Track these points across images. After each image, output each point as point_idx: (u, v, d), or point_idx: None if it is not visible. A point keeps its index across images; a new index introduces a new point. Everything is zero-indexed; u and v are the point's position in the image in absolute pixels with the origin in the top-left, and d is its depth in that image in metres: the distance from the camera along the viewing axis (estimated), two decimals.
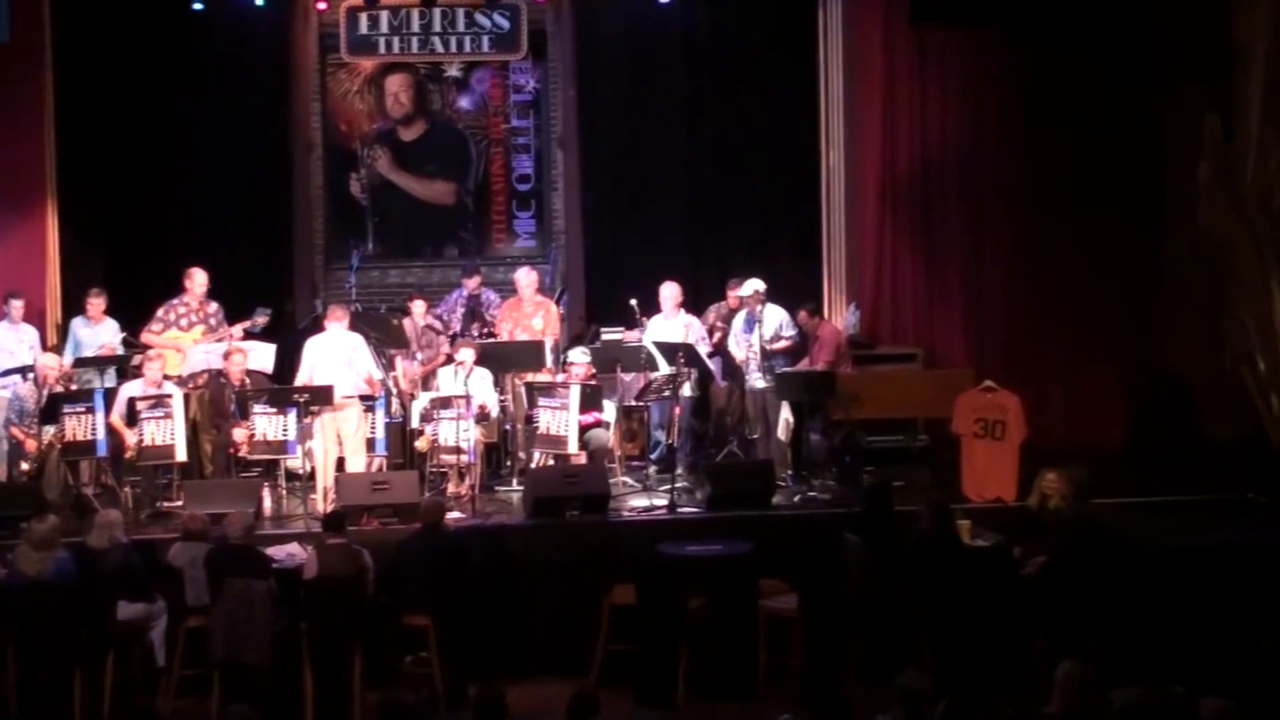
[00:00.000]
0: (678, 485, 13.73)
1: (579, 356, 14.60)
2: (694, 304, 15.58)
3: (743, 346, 14.74)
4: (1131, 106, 16.22)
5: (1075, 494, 12.06)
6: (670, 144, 17.81)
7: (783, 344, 14.69)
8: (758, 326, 14.57)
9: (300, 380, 13.84)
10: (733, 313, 15.35)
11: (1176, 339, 16.03)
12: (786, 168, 17.43)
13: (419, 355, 15.15)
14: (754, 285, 14.72)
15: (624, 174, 17.80)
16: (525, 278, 15.54)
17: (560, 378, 14.51)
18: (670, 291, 15.15)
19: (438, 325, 15.57)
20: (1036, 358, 16.30)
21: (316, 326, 14.96)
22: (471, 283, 16.00)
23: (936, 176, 16.58)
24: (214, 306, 14.92)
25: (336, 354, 13.83)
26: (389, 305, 16.61)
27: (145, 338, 14.71)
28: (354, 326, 14.19)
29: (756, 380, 14.61)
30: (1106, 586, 11.55)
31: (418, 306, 15.60)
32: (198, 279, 14.90)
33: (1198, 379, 15.52)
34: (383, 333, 15.06)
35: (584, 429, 14.12)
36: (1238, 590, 11.83)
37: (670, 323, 15.03)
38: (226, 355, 14.29)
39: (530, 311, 15.36)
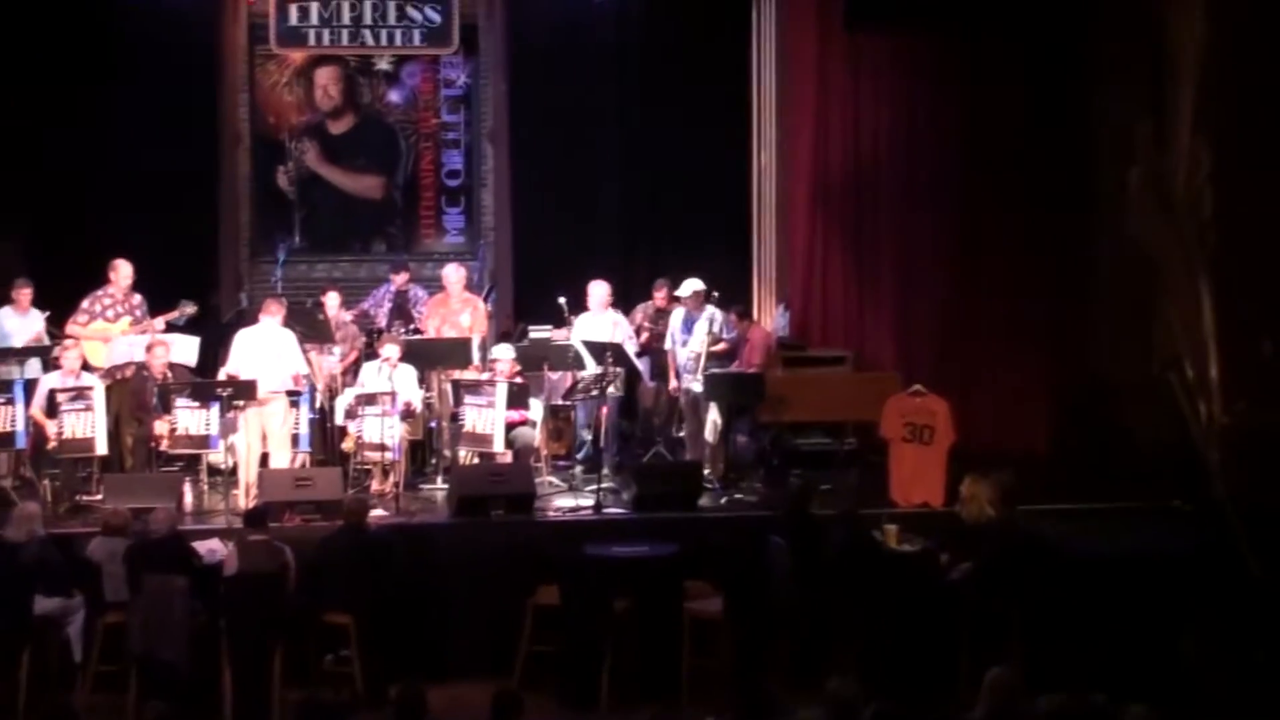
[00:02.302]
0: (604, 486, 13.72)
1: (503, 353, 14.54)
2: (624, 303, 15.55)
3: (682, 349, 14.69)
4: (1062, 111, 16.27)
5: (1001, 500, 12.07)
6: (602, 141, 17.77)
7: (722, 346, 14.62)
8: (697, 328, 14.55)
9: (228, 372, 13.76)
10: (660, 312, 15.35)
11: (1104, 343, 16.06)
12: (718, 167, 17.42)
13: (336, 350, 15.05)
14: (693, 286, 14.64)
15: (554, 171, 17.73)
16: (454, 274, 15.50)
17: (486, 375, 14.46)
18: (599, 290, 15.13)
19: (347, 319, 15.48)
20: (965, 362, 16.33)
21: (241, 320, 14.91)
22: (399, 278, 15.96)
23: (868, 179, 16.63)
24: (138, 298, 14.79)
25: (267, 348, 13.75)
26: (314, 300, 16.50)
27: (71, 329, 14.53)
28: (286, 322, 14.10)
29: (693, 384, 14.57)
30: (1032, 593, 11.57)
31: (331, 299, 15.48)
32: (122, 270, 14.75)
33: (1125, 384, 15.56)
34: (308, 328, 14.95)
35: (510, 427, 14.08)
36: (1160, 597, 11.91)
37: (598, 321, 15.00)
38: (149, 348, 14.16)
39: (458, 308, 15.32)
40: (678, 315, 14.86)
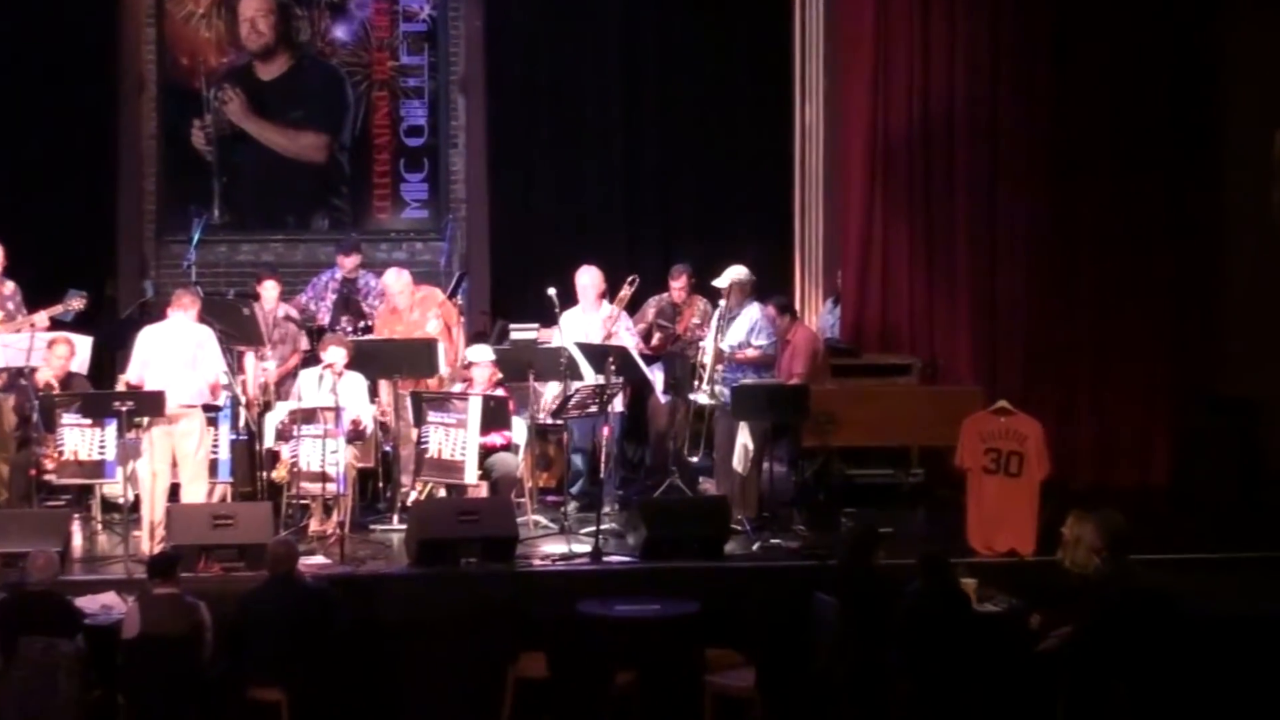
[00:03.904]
0: (604, 527, 13.77)
1: (481, 355, 14.56)
2: (630, 295, 15.52)
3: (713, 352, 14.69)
4: (1188, 58, 16.29)
5: (1109, 547, 12.09)
6: (603, 91, 17.86)
7: (751, 353, 14.63)
8: (734, 328, 14.53)
9: (128, 380, 13.76)
10: (676, 308, 15.39)
11: (1240, 352, 16.11)
12: (750, 126, 17.50)
13: (271, 354, 15.07)
14: (733, 274, 14.64)
15: (542, 128, 17.82)
16: (395, 282, 15.31)
17: (458, 386, 14.47)
18: (587, 278, 15.16)
19: (294, 314, 15.51)
20: (1063, 374, 16.40)
21: (145, 315, 14.93)
22: (349, 262, 15.97)
23: (940, 141, 16.65)
24: (11, 287, 14.72)
25: (178, 351, 13.71)
26: (238, 290, 16.54)
27: None
28: (202, 318, 14.11)
29: (699, 395, 14.58)
30: (1146, 663, 11.59)
31: (269, 290, 15.52)
32: None
33: (1265, 404, 15.61)
34: (230, 324, 14.94)
35: (486, 453, 14.13)
36: None
37: (590, 318, 15.04)
38: (50, 344, 14.10)
39: (417, 319, 15.20)
40: (718, 313, 14.82)
